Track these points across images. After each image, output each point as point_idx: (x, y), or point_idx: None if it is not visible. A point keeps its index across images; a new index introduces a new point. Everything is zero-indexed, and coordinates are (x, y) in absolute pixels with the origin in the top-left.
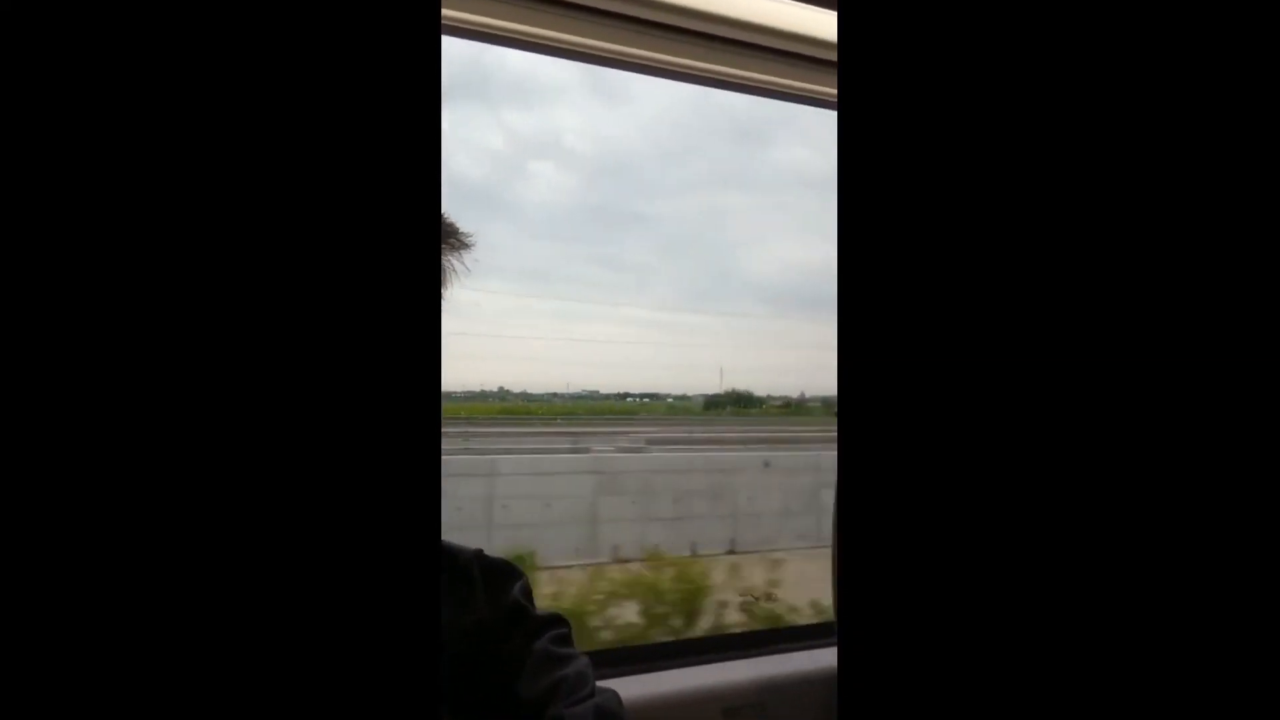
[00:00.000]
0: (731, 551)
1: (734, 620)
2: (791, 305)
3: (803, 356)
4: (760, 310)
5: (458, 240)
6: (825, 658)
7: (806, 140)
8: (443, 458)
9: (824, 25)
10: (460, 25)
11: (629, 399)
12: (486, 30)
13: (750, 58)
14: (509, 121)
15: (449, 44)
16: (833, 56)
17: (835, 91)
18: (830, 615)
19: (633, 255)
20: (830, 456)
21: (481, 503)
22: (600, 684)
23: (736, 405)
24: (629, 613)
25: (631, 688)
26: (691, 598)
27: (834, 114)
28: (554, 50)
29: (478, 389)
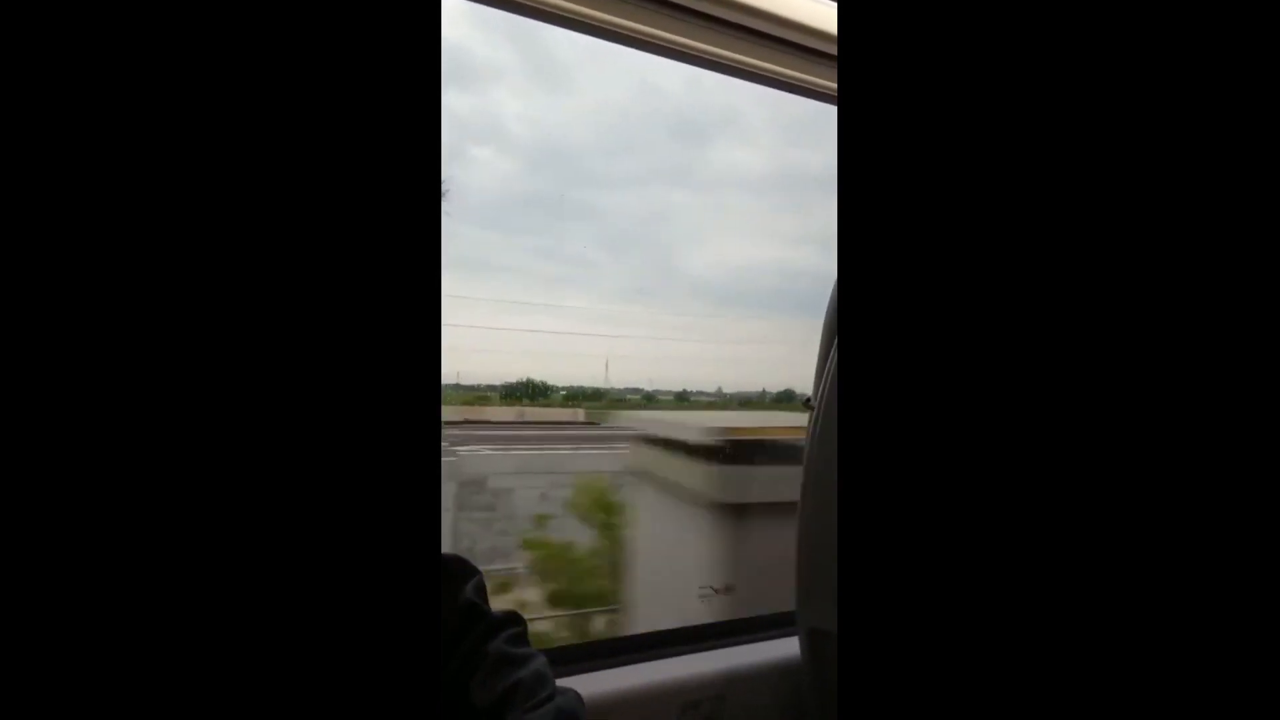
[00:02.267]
0: None
1: None
2: (731, 303)
3: (727, 352)
4: (697, 307)
5: None
6: (783, 648)
7: (746, 142)
8: None
9: (824, 17)
10: None
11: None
12: None
13: (750, 44)
14: (446, 101)
15: None
16: (833, 50)
17: (835, 85)
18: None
19: (574, 247)
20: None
21: None
22: (560, 682)
23: (529, 396)
24: None
25: (591, 685)
26: None
27: (765, 114)
28: (552, 17)
29: None
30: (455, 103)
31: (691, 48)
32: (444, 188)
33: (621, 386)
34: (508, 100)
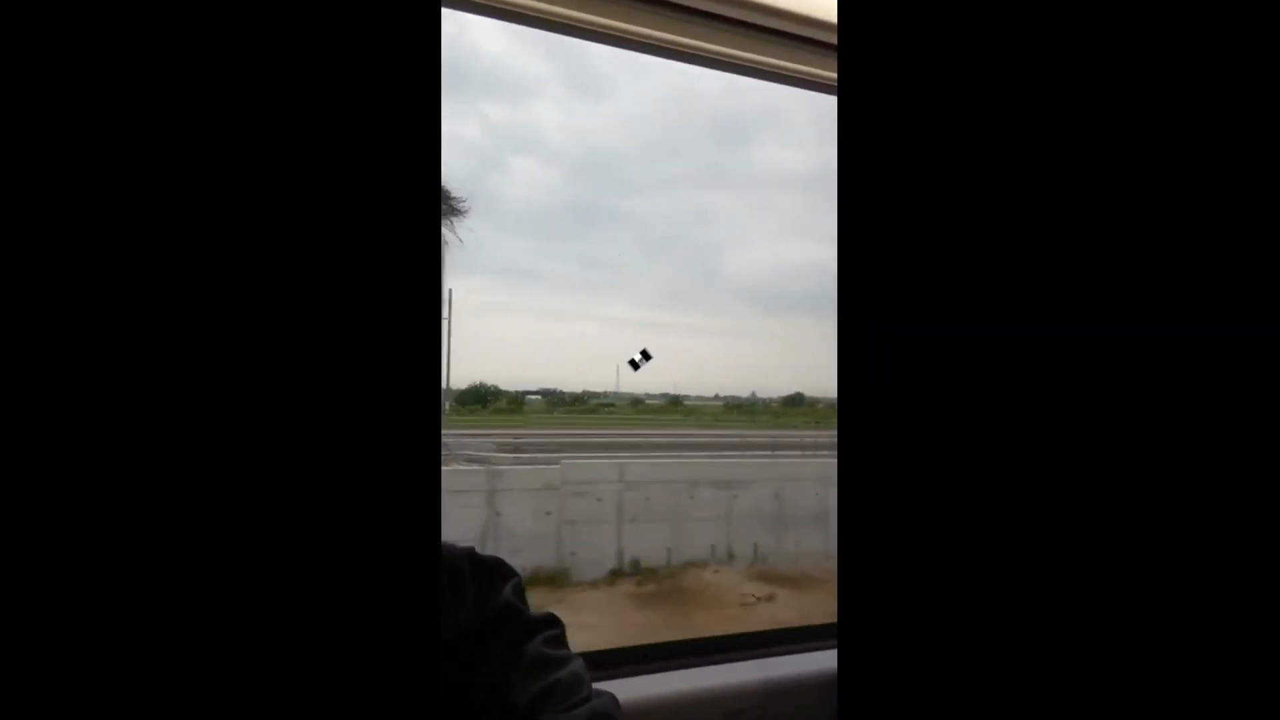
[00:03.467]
0: None
1: None
2: (771, 306)
3: (749, 356)
4: (738, 310)
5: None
6: (826, 659)
7: (789, 141)
8: None
9: (824, 8)
10: None
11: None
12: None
13: (749, 38)
14: (486, 113)
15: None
16: (833, 39)
17: (835, 76)
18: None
19: (614, 253)
20: None
21: None
22: (597, 686)
23: (477, 401)
24: None
25: (629, 689)
26: None
27: (810, 113)
28: (550, 25)
29: None
30: (496, 115)
31: (690, 45)
32: (465, 203)
33: (640, 392)
34: (548, 111)
